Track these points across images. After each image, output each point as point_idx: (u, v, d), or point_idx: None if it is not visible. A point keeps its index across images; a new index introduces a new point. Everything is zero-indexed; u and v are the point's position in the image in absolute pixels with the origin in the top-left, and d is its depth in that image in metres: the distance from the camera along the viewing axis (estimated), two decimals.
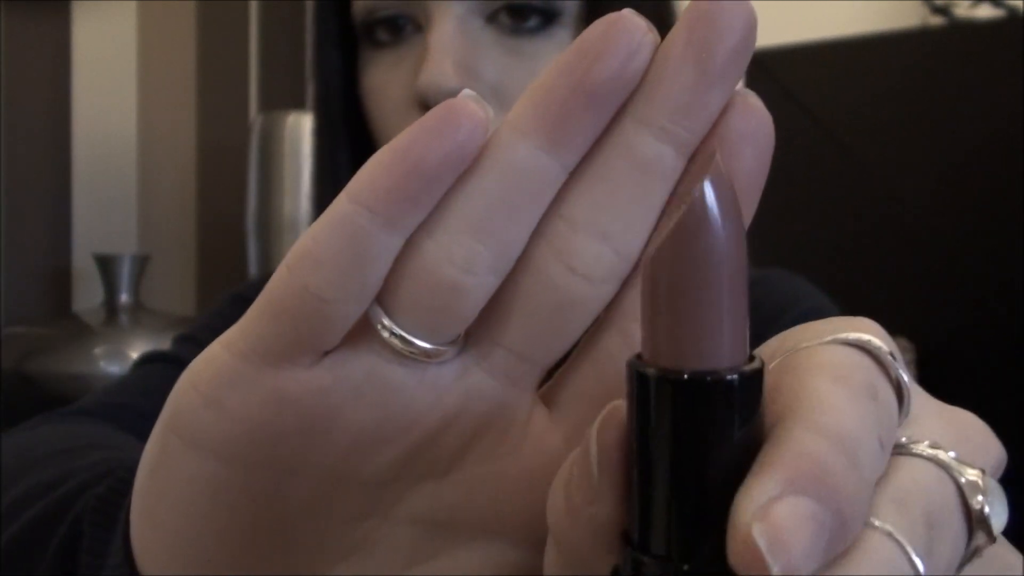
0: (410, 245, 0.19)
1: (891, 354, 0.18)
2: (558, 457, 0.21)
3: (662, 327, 0.16)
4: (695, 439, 0.15)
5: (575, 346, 0.21)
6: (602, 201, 0.19)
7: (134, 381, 0.56)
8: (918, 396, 0.19)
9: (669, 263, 0.16)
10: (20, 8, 1.68)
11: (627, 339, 0.20)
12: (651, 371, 0.16)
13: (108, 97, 1.85)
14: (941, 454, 0.18)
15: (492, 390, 0.21)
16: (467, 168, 0.19)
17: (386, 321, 0.19)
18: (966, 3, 1.38)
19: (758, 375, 0.16)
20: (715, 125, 0.19)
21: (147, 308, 1.64)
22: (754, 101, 0.19)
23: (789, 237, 1.31)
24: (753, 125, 0.19)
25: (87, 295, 1.75)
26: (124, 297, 1.61)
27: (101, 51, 1.83)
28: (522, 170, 0.19)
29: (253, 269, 1.75)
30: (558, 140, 0.19)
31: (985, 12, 1.34)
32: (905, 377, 0.18)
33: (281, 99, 2.07)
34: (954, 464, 0.18)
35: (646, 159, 0.19)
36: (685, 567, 0.16)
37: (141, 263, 1.63)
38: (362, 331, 0.20)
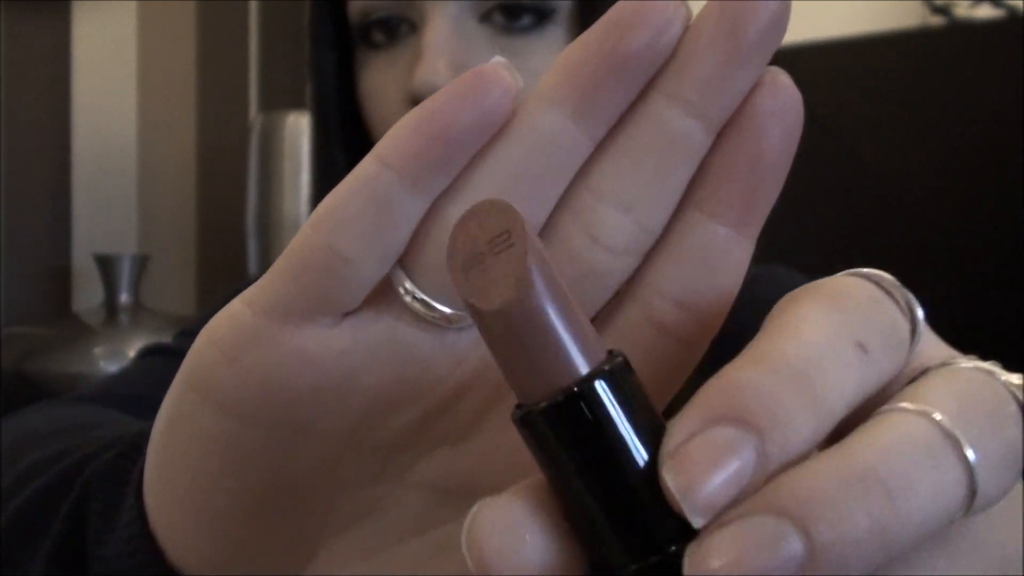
0: (435, 209, 0.19)
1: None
2: None
3: (522, 373, 0.16)
4: (601, 446, 0.16)
5: (595, 318, 0.21)
6: (627, 174, 0.19)
7: (136, 371, 0.56)
8: (937, 341, 0.19)
9: (507, 327, 0.16)
10: (20, 8, 1.68)
11: (647, 311, 0.20)
12: (536, 408, 0.16)
13: (108, 97, 1.85)
14: (981, 363, 0.17)
15: None
16: (494, 135, 0.19)
17: (408, 284, 0.20)
18: (966, 3, 1.38)
19: (623, 365, 0.16)
20: (744, 102, 0.19)
21: (147, 308, 1.64)
22: (783, 79, 0.20)
23: (788, 235, 1.30)
24: (782, 103, 0.19)
25: (87, 295, 1.75)
26: (124, 297, 1.61)
27: (101, 51, 1.83)
28: (549, 139, 0.19)
29: (253, 269, 1.74)
30: (586, 111, 0.19)
31: (985, 12, 1.34)
32: (918, 310, 0.18)
33: (281, 99, 2.07)
34: (998, 370, 0.17)
35: (674, 133, 0.19)
36: (654, 559, 0.16)
37: (141, 263, 1.63)
38: (383, 294, 0.20)
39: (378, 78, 0.50)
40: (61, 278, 1.78)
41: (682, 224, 0.20)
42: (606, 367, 0.16)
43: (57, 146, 1.77)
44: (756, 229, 0.20)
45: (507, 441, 0.21)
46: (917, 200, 1.24)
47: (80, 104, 1.80)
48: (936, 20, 1.41)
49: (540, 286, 0.16)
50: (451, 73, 0.46)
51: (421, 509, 0.22)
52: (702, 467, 0.14)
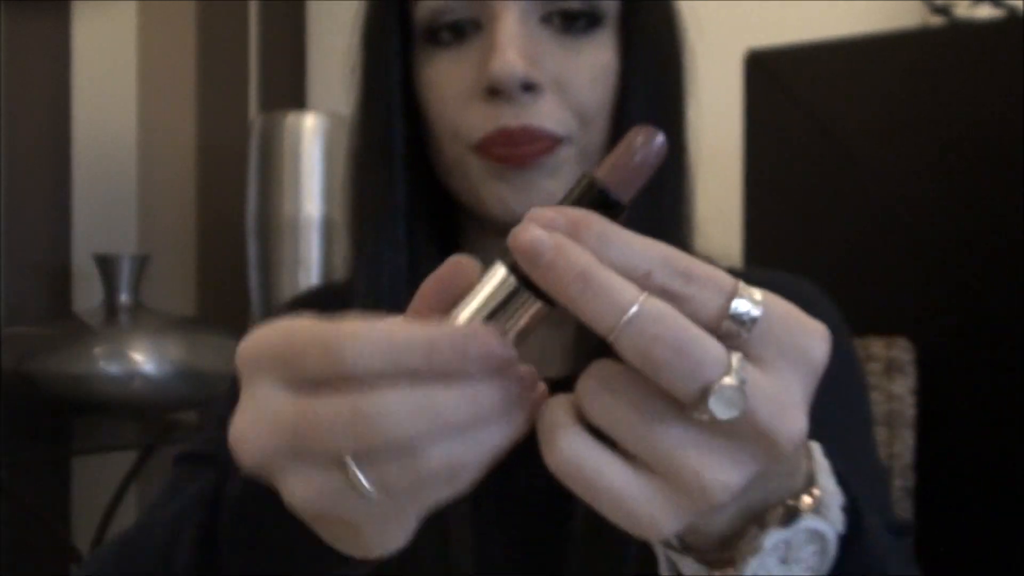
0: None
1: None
2: None
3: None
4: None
5: None
6: None
7: (173, 488, 0.55)
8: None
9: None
10: (20, 8, 1.69)
11: None
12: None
13: (108, 97, 1.85)
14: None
15: None
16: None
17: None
18: (966, 3, 1.38)
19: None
20: None
21: (147, 308, 1.64)
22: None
23: (789, 237, 1.31)
24: None
25: (87, 295, 1.75)
26: (124, 297, 1.61)
27: (101, 51, 1.83)
28: None
29: (253, 269, 1.75)
30: None
31: (985, 12, 1.34)
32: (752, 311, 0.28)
33: (281, 99, 2.07)
34: None
35: None
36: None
37: (141, 263, 1.63)
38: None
39: (445, 70, 0.55)
40: (61, 278, 1.78)
41: None
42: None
43: (57, 146, 1.77)
44: None
45: None
46: (916, 199, 1.24)
47: (80, 104, 1.80)
48: (936, 20, 1.41)
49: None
50: (523, 62, 0.52)
51: None
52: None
